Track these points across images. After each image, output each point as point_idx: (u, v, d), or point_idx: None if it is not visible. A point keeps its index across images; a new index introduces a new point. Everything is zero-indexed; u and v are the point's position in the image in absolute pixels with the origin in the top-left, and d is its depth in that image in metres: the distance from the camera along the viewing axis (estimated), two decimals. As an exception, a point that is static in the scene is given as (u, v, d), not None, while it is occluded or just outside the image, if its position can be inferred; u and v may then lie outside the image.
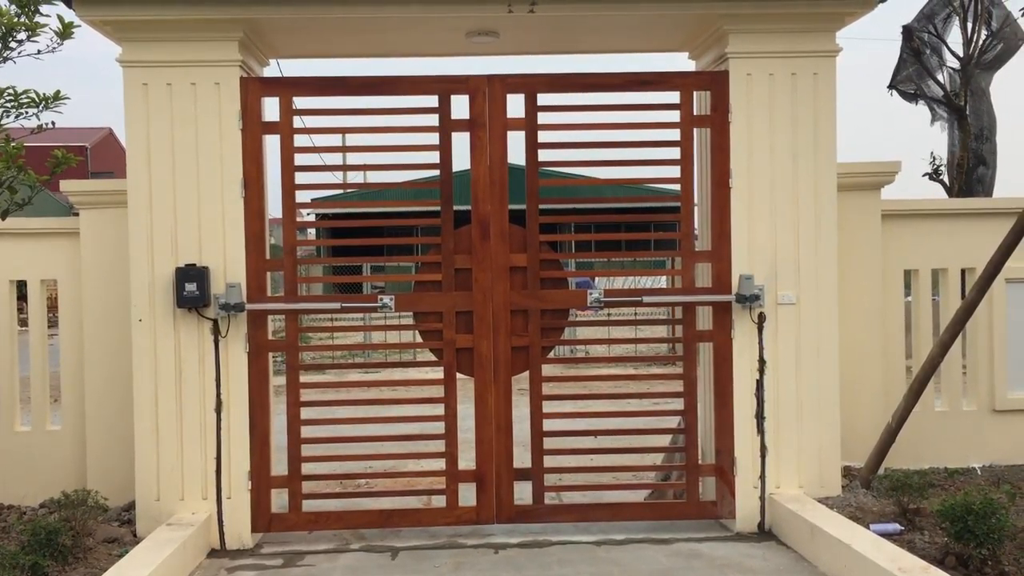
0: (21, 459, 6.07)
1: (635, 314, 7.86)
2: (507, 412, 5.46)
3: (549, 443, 5.50)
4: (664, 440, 6.05)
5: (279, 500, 5.46)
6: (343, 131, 5.64)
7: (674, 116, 5.50)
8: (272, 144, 5.41)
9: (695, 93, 5.54)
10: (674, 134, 5.50)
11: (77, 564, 4.74)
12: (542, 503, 5.48)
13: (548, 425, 5.48)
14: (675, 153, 5.49)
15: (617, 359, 6.54)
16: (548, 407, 5.49)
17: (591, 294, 5.46)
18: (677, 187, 5.59)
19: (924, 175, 15.09)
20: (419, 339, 5.71)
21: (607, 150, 5.59)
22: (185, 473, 5.31)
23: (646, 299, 5.62)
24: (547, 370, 5.54)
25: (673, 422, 5.77)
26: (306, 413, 5.41)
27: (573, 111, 5.52)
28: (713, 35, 5.56)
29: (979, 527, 4.38)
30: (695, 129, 5.56)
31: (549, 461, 5.52)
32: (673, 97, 5.50)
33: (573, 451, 5.64)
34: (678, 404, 5.59)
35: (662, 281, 16.79)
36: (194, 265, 5.24)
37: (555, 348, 5.82)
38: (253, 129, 5.33)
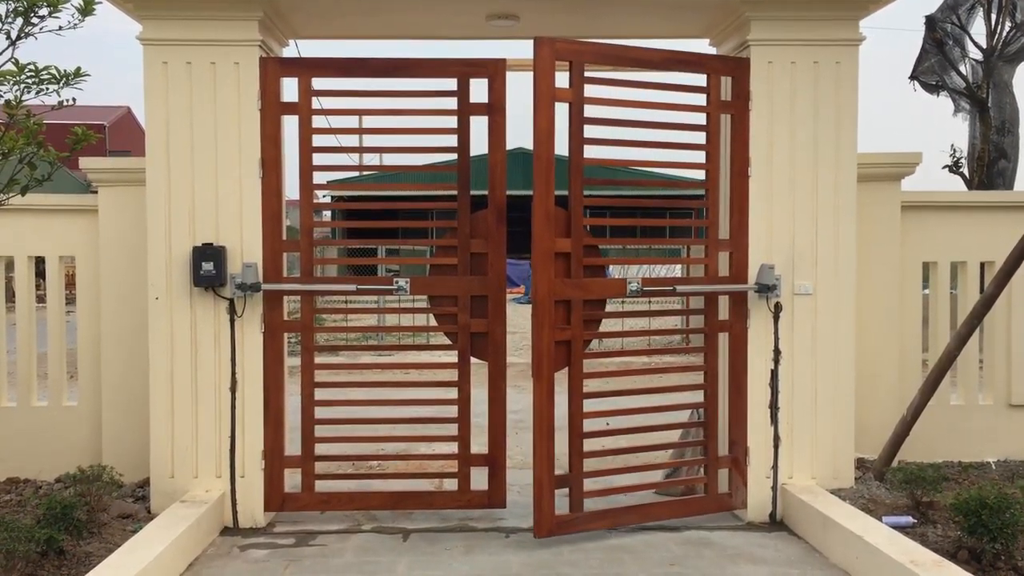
0: (37, 434, 6.13)
1: (649, 304, 7.76)
2: (550, 415, 5.06)
3: (574, 444, 5.18)
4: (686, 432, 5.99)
5: (292, 480, 5.49)
6: (361, 113, 5.63)
7: (703, 100, 5.40)
8: (290, 125, 5.41)
9: (722, 78, 5.45)
10: (702, 119, 5.41)
11: (91, 539, 4.78)
12: (580, 511, 5.15)
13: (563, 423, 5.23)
14: (703, 138, 5.40)
15: (633, 352, 6.34)
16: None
17: (630, 284, 5.33)
18: (702, 174, 5.52)
19: (944, 167, 15.00)
20: (433, 323, 5.70)
21: (637, 129, 5.30)
22: (199, 451, 5.34)
23: (679, 288, 5.53)
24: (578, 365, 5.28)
25: (695, 415, 5.72)
26: (320, 394, 5.42)
27: (608, 86, 5.22)
28: (735, 22, 5.52)
29: (993, 521, 4.37)
30: (721, 115, 5.48)
31: (583, 464, 5.19)
32: (702, 80, 5.38)
33: (610, 452, 5.38)
34: (698, 396, 5.53)
35: (677, 269, 16.77)
36: (211, 244, 5.25)
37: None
38: (272, 110, 5.32)
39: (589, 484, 5.21)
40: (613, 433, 5.40)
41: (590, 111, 5.10)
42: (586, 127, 5.11)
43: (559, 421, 5.09)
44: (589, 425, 5.19)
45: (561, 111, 5.04)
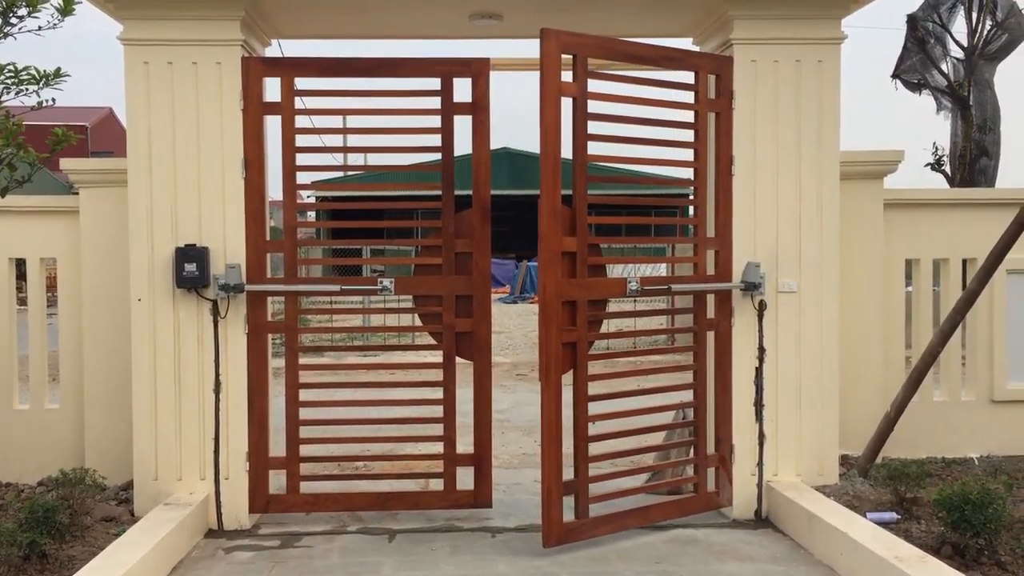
0: (19, 437, 6.08)
1: (634, 303, 7.74)
2: (558, 420, 4.90)
3: (569, 448, 5.00)
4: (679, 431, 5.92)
5: (277, 481, 5.46)
6: (345, 113, 5.61)
7: (691, 98, 5.37)
8: (273, 125, 5.38)
9: (709, 76, 5.43)
10: (691, 116, 5.37)
11: (74, 542, 4.75)
12: (587, 517, 5.02)
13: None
14: (692, 136, 5.37)
15: (621, 354, 6.19)
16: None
17: (630, 283, 5.23)
18: (695, 172, 5.47)
19: (926, 165, 15.09)
20: (419, 323, 5.68)
21: (633, 126, 5.15)
22: (183, 453, 5.31)
23: (674, 287, 5.48)
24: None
25: (689, 413, 5.70)
26: (304, 395, 5.40)
27: (602, 80, 5.16)
28: (718, 20, 5.53)
29: (976, 517, 4.39)
30: (709, 113, 5.45)
31: (589, 469, 5.06)
32: (691, 77, 5.36)
33: (612, 455, 5.29)
34: (687, 396, 5.51)
35: (662, 268, 16.80)
36: (194, 245, 5.22)
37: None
38: (254, 110, 5.30)
39: (593, 489, 5.10)
40: (611, 436, 5.24)
41: (593, 107, 4.98)
42: (590, 123, 4.95)
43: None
44: (593, 429, 5.09)
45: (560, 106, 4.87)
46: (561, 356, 4.94)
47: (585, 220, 5.01)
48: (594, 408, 5.13)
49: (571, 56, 4.93)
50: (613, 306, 8.30)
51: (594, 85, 5.07)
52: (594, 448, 5.11)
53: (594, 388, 5.17)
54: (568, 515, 4.99)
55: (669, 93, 5.31)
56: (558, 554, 4.88)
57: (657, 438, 5.76)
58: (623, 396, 5.29)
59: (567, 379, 4.98)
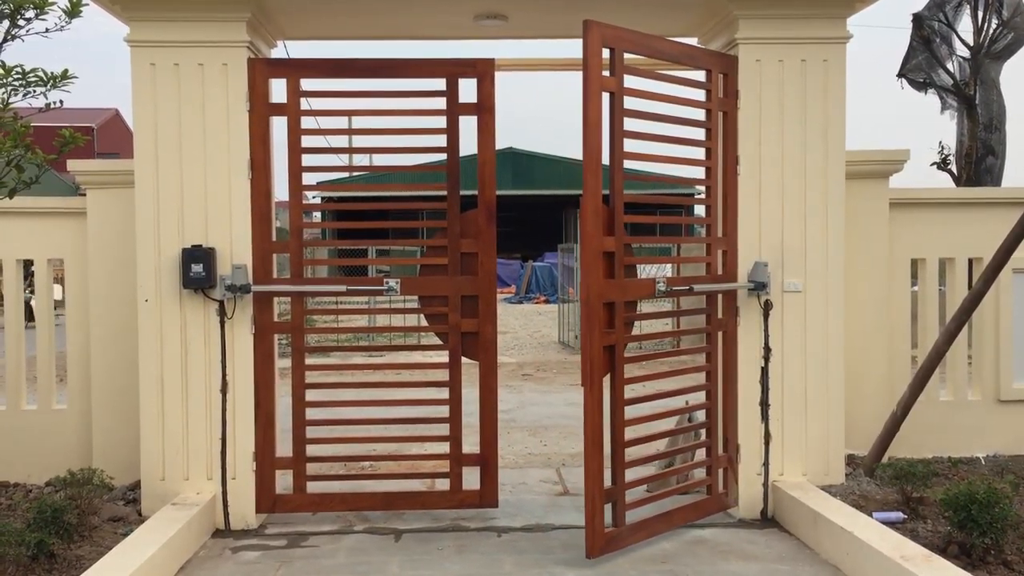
0: (27, 438, 6.11)
1: (639, 306, 7.63)
2: (600, 424, 4.73)
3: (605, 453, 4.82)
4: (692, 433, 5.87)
5: (283, 481, 5.48)
6: (350, 114, 5.62)
7: (704, 96, 5.35)
8: (279, 126, 5.40)
9: (718, 75, 5.40)
10: (704, 115, 5.35)
11: (82, 542, 4.77)
12: (623, 524, 4.90)
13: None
14: (704, 135, 5.35)
15: (643, 357, 6.05)
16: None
17: (658, 284, 5.17)
18: (702, 172, 5.43)
19: (932, 164, 15.04)
20: (424, 323, 5.69)
21: (649, 123, 5.06)
22: (190, 453, 5.33)
23: (696, 287, 5.37)
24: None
25: (695, 416, 5.68)
26: (311, 395, 5.42)
27: (632, 75, 5.02)
28: (723, 20, 5.53)
29: (982, 516, 4.38)
30: (719, 112, 5.42)
31: (625, 475, 4.93)
32: (702, 76, 5.34)
33: (644, 460, 5.23)
34: (696, 397, 5.49)
35: (667, 268, 16.78)
36: (200, 246, 5.24)
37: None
38: (260, 111, 5.31)
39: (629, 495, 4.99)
40: (642, 441, 5.13)
41: (628, 103, 4.87)
42: (625, 119, 4.86)
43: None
44: (629, 433, 4.96)
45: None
46: (602, 359, 4.80)
47: (622, 219, 4.90)
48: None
49: (608, 51, 4.84)
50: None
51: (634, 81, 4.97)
52: (629, 453, 5.01)
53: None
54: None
55: (684, 91, 5.26)
56: (563, 552, 4.88)
57: (677, 440, 5.73)
58: (642, 401, 5.18)
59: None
